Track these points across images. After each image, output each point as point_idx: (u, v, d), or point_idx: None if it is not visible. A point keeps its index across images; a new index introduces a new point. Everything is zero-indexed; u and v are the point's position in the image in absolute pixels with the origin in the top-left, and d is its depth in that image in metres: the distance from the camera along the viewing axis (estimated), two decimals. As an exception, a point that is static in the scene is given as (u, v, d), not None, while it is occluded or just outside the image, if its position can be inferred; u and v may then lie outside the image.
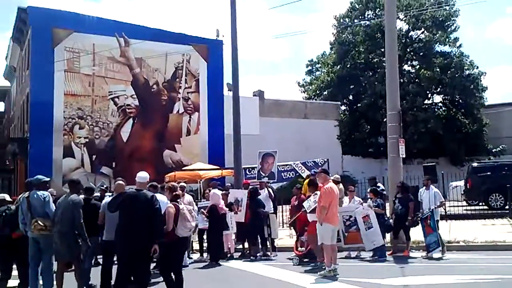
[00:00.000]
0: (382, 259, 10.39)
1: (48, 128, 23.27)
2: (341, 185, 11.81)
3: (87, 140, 24.41)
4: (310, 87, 39.84)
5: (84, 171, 23.89)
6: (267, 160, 17.50)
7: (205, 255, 11.47)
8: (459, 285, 7.96)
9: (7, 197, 9.84)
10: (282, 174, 18.39)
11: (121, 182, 8.91)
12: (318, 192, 9.54)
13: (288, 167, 18.87)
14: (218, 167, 20.32)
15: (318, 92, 38.23)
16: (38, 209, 7.84)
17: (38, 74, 23.51)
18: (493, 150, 31.43)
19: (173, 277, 7.12)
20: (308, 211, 9.82)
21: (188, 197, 10.61)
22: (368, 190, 11.91)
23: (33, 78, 23.68)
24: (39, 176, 8.35)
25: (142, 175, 7.12)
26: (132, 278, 6.85)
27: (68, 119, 24.16)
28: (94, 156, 24.37)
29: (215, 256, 10.87)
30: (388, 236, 11.53)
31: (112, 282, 7.51)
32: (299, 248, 10.68)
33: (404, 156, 12.72)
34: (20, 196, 8.18)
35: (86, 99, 24.71)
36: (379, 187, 13.07)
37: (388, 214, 11.91)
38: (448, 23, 32.97)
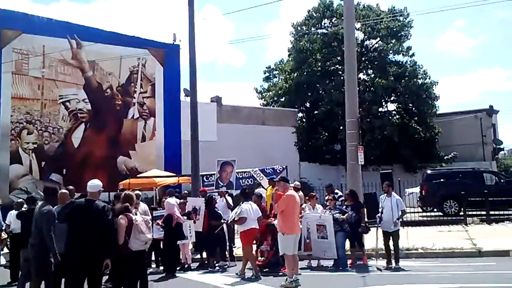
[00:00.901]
0: (344, 269, 10.20)
1: (-7, 133, 22.08)
2: (301, 192, 11.69)
3: (35, 145, 23.29)
4: (268, 94, 39.77)
5: (32, 178, 22.76)
6: (225, 169, 17.35)
7: (161, 267, 11.03)
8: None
9: None
10: (240, 181, 18.17)
11: (64, 191, 8.44)
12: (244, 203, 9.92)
13: (246, 174, 18.68)
14: (175, 174, 19.82)
15: (275, 98, 38.21)
16: None
17: (-18, 76, 22.31)
18: (445, 157, 32.21)
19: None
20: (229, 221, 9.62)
21: (143, 206, 10.17)
22: (327, 197, 11.78)
23: (-23, 81, 22.45)
24: None
25: (94, 184, 6.67)
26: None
27: (16, 124, 23.00)
28: (43, 163, 23.25)
29: (170, 267, 10.44)
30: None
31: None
32: (259, 258, 10.39)
33: (363, 163, 12.74)
34: None
35: (35, 103, 23.61)
36: (337, 193, 13.03)
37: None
38: (402, 33, 33.66)
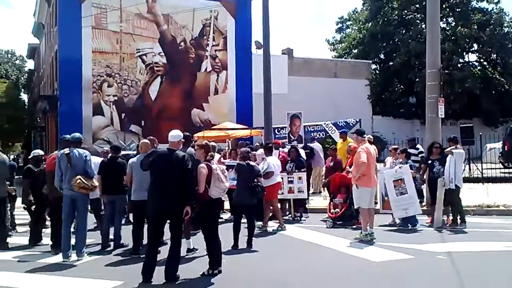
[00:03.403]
0: (408, 228, 9.66)
1: (77, 86, 23.25)
2: (374, 146, 11.41)
3: (116, 98, 24.35)
4: (340, 45, 38.85)
5: (114, 129, 23.95)
6: (294, 122, 17.26)
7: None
8: (508, 253, 7.58)
9: (41, 153, 9.84)
10: (312, 134, 18.05)
11: (146, 140, 8.76)
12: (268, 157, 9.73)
13: (318, 127, 18.52)
14: (247, 127, 20.03)
15: (348, 50, 37.26)
16: (78, 167, 7.71)
17: (66, 30, 23.34)
18: (531, 111, 30.29)
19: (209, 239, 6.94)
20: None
21: (217, 156, 10.38)
22: (398, 151, 10.96)
23: (61, 35, 23.53)
24: (76, 134, 8.17)
25: (175, 134, 6.82)
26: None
27: (97, 77, 24.06)
28: (123, 114, 24.35)
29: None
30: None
31: (144, 241, 7.42)
32: (333, 210, 10.41)
33: (443, 116, 12.17)
34: (59, 152, 8.00)
35: (114, 57, 24.49)
36: (418, 148, 12.62)
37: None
38: (488, -23, 31.29)
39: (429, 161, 10.25)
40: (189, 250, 7.90)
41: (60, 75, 23.78)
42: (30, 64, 51.34)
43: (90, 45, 23.82)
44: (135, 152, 10.79)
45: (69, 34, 23.20)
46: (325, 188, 12.31)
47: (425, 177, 10.40)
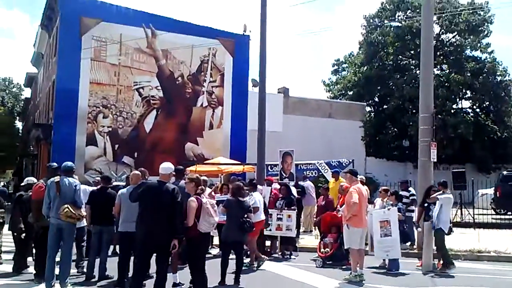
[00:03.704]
0: (395, 272, 9.42)
1: (72, 116, 23.29)
2: (366, 187, 11.40)
3: (110, 129, 24.37)
4: (336, 87, 39.37)
5: (106, 159, 23.87)
6: (286, 160, 17.34)
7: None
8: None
9: (34, 180, 9.75)
10: (305, 172, 18.08)
11: (137, 172, 8.74)
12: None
13: (311, 166, 18.55)
14: (240, 163, 20.03)
15: (343, 92, 37.73)
16: (67, 195, 7.64)
17: (65, 61, 23.53)
18: (522, 159, 30.49)
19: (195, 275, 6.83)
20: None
21: (209, 191, 10.33)
22: (389, 192, 10.94)
23: (60, 65, 23.72)
24: (68, 163, 8.13)
25: (166, 166, 6.82)
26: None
27: (93, 108, 24.14)
28: (116, 146, 24.31)
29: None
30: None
31: (130, 274, 7.29)
32: (323, 250, 10.31)
33: (435, 160, 12.22)
34: (50, 180, 7.93)
35: (111, 89, 24.66)
36: (410, 191, 12.62)
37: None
38: (481, 28, 32.03)
39: (426, 204, 10.21)
40: (175, 285, 7.76)
41: (56, 104, 23.84)
42: (27, 93, 51.61)
43: (88, 76, 24.00)
44: (124, 183, 10.72)
45: (67, 65, 23.39)
46: (316, 227, 12.24)
47: (420, 220, 10.32)
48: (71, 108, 23.25)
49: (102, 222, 8.55)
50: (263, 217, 9.94)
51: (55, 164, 8.78)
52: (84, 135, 23.62)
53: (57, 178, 7.80)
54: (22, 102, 52.93)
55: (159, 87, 25.70)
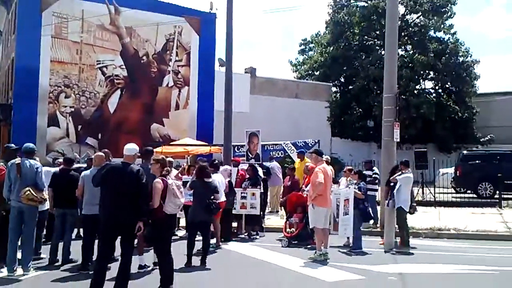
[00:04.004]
0: (358, 251, 9.51)
1: (33, 95, 22.54)
2: (331, 167, 11.52)
3: (73, 109, 23.75)
4: (302, 67, 39.38)
5: (69, 141, 23.31)
6: (252, 140, 17.42)
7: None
8: (457, 276, 7.76)
9: None
10: (271, 153, 18.18)
11: (100, 153, 8.59)
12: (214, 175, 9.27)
13: (277, 147, 18.66)
14: (207, 144, 19.93)
15: (310, 72, 37.79)
16: (29, 178, 7.44)
17: (24, 38, 22.67)
18: (482, 139, 31.39)
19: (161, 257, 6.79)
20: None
21: (174, 172, 10.26)
22: (353, 171, 10.98)
23: (19, 43, 22.87)
24: (29, 144, 7.90)
25: (130, 147, 6.67)
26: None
27: (54, 87, 23.43)
28: (79, 126, 23.75)
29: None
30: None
31: (94, 257, 7.20)
32: (288, 230, 10.42)
33: (398, 140, 12.43)
34: (10, 162, 7.68)
35: (73, 67, 23.97)
36: (373, 170, 12.84)
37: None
38: (445, 9, 32.53)
39: (391, 184, 10.39)
40: (141, 267, 7.74)
41: (15, 83, 23.05)
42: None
43: (48, 54, 23.23)
44: (85, 165, 10.53)
45: (27, 42, 22.56)
46: (282, 207, 12.35)
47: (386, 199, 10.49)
48: (32, 87, 22.50)
49: (64, 205, 8.40)
50: (223, 198, 9.87)
51: (13, 145, 8.53)
52: (45, 116, 22.96)
53: (17, 160, 7.60)
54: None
55: (123, 66, 25.13)
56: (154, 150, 16.10)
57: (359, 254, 9.41)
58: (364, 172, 12.58)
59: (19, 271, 7.41)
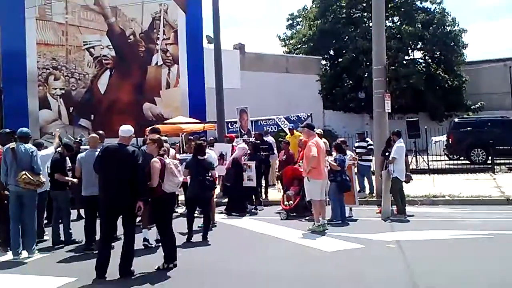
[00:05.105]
0: (336, 222, 9.49)
1: (21, 79, 22.31)
2: (324, 139, 11.61)
3: (63, 91, 23.57)
4: (291, 41, 39.14)
5: (62, 123, 23.17)
6: (242, 117, 17.57)
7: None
8: (453, 241, 7.89)
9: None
10: (265, 128, 18.33)
11: (95, 135, 8.62)
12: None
13: (270, 121, 18.81)
14: (200, 121, 19.94)
15: (299, 46, 37.58)
16: (24, 162, 7.45)
17: (7, 22, 22.28)
18: (472, 107, 31.65)
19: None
20: None
21: (172, 152, 10.30)
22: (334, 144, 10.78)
23: (3, 26, 22.44)
24: (24, 129, 7.91)
25: (125, 129, 6.69)
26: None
27: (42, 69, 23.20)
28: (71, 108, 23.61)
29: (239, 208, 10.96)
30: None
31: (97, 237, 7.28)
32: (286, 202, 10.55)
33: (389, 110, 12.55)
34: (4, 147, 7.68)
35: (60, 49, 23.69)
36: (367, 141, 12.96)
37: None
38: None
39: (386, 154, 10.50)
40: (145, 240, 7.89)
41: (3, 67, 22.74)
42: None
43: (34, 37, 22.92)
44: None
45: (11, 25, 22.19)
46: (279, 181, 12.47)
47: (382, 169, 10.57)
48: (20, 71, 22.27)
49: (54, 187, 8.48)
50: (217, 174, 9.95)
51: (7, 129, 8.52)
52: (36, 99, 22.78)
53: (12, 145, 7.59)
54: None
55: (111, 46, 24.86)
56: (147, 128, 16.20)
57: (357, 222, 9.59)
58: (358, 144, 12.79)
59: (24, 254, 7.48)
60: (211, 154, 10.20)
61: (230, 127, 18.03)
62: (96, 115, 23.71)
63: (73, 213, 9.34)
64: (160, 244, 7.09)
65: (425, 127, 19.45)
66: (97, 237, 7.19)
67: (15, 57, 22.11)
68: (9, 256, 7.53)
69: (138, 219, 7.73)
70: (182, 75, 26.63)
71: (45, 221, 9.15)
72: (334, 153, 10.15)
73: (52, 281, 6.18)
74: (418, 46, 33.26)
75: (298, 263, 6.92)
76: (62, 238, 8.37)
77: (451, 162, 20.01)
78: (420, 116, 26.85)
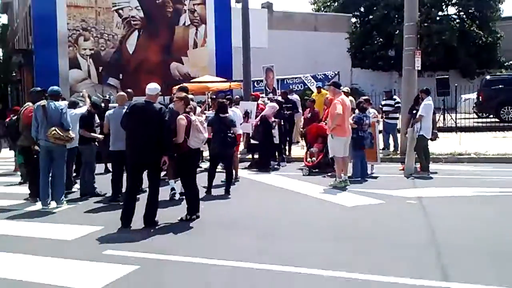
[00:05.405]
0: (355, 179, 9.47)
1: (52, 40, 22.80)
2: (351, 97, 11.57)
3: (92, 51, 23.99)
4: (320, -1, 38.38)
5: (91, 82, 23.70)
6: (268, 75, 17.56)
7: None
8: (477, 198, 7.82)
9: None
10: (291, 86, 18.28)
11: (122, 93, 8.82)
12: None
13: (297, 80, 18.71)
14: (226, 80, 20.03)
15: (328, 4, 36.85)
16: (54, 118, 7.74)
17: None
18: (506, 64, 30.66)
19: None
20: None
21: (198, 109, 10.47)
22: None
23: (34, -10, 22.86)
24: (54, 87, 8.19)
25: (152, 86, 6.84)
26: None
27: (72, 31, 23.58)
28: (100, 68, 24.06)
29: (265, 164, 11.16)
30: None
31: (123, 190, 7.58)
32: (309, 159, 10.68)
33: (419, 68, 12.33)
34: (35, 104, 7.99)
35: (89, 11, 23.95)
36: (395, 99, 12.85)
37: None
38: None
39: (414, 111, 10.41)
40: (172, 189, 8.22)
41: (34, 29, 23.23)
42: (3, 19, 49.69)
43: (64, 0, 23.23)
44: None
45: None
46: (302, 138, 12.57)
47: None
48: (50, 32, 22.71)
49: (79, 142, 8.76)
50: (240, 132, 10.15)
51: (38, 88, 8.80)
52: (66, 59, 23.28)
53: (43, 102, 7.86)
54: (0, 29, 51.11)
55: (139, 7, 24.98)
56: (174, 87, 16.40)
57: (380, 179, 9.66)
58: (385, 102, 12.69)
59: (53, 204, 7.87)
60: (236, 112, 10.33)
61: (256, 85, 18.08)
62: (125, 74, 24.10)
63: (100, 167, 9.68)
64: (184, 197, 7.35)
65: (456, 84, 19.05)
66: (123, 189, 7.49)
67: (46, 20, 22.52)
68: (38, 206, 7.93)
69: (163, 173, 8.01)
70: (210, 34, 26.62)
71: (74, 174, 9.54)
72: (356, 111, 10.15)
73: (80, 230, 6.49)
74: (453, 1, 32.14)
75: (317, 216, 7.08)
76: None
77: (479, 120, 19.64)
78: (451, 73, 26.25)
